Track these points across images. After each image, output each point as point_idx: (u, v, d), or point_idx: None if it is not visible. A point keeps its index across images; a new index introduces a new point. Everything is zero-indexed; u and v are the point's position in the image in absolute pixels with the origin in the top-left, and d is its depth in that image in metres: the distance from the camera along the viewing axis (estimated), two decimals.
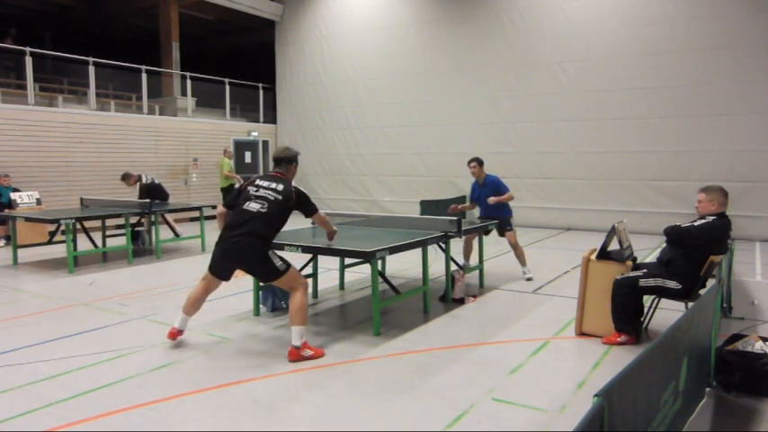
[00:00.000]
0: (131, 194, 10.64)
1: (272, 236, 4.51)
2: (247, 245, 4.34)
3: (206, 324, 5.29)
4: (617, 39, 11.76)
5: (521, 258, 7.41)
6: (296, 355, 4.32)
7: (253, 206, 4.41)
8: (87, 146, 12.36)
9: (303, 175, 16.66)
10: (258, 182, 4.58)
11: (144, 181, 10.38)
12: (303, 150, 16.63)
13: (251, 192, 4.50)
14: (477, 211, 7.79)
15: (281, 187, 4.50)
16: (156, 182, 10.59)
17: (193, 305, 4.73)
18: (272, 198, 4.44)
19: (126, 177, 10.39)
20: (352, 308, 6.08)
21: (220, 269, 4.61)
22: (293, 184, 4.60)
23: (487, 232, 7.39)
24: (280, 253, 4.65)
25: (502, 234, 7.40)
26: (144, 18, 17.14)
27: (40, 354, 4.50)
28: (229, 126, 15.92)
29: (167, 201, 10.52)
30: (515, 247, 7.37)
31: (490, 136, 13.38)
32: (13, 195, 10.16)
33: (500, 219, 7.31)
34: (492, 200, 7.21)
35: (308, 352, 4.38)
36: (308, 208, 4.64)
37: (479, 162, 7.38)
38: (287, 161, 4.71)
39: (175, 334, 4.73)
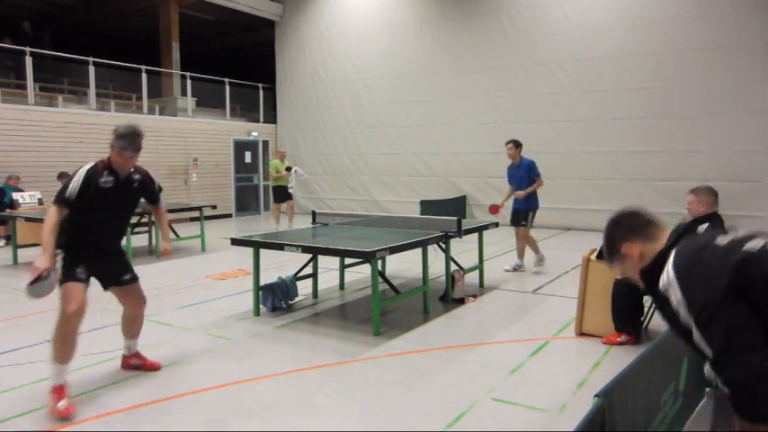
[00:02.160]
0: None
1: (67, 231, 3.63)
2: None
3: (206, 324, 5.29)
4: (617, 39, 11.76)
5: (519, 251, 7.55)
6: (51, 402, 3.38)
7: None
8: (87, 146, 12.35)
9: None
10: None
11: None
12: (303, 150, 16.67)
13: None
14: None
15: None
16: None
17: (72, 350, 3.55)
18: None
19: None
20: (352, 308, 6.08)
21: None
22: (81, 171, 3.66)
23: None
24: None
25: (516, 224, 7.50)
26: (144, 18, 17.14)
27: (40, 354, 4.49)
28: (229, 126, 15.92)
29: None
30: (519, 239, 7.46)
31: (490, 136, 13.37)
32: (15, 195, 10.15)
33: (520, 210, 7.40)
34: (519, 194, 7.34)
35: (62, 404, 3.34)
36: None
37: (516, 144, 7.46)
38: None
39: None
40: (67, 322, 3.53)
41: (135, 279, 4.01)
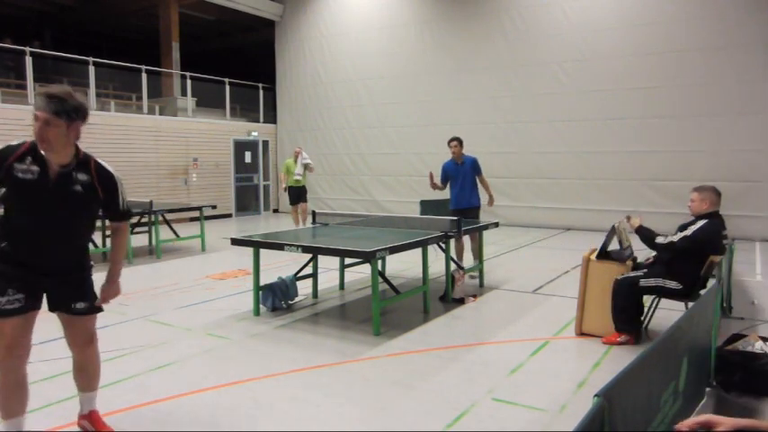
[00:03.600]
0: None
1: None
2: None
3: (206, 324, 5.29)
4: (617, 39, 11.77)
5: (475, 252, 7.29)
6: None
7: None
8: (87, 146, 12.11)
9: None
10: None
11: None
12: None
13: None
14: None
15: None
16: None
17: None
18: None
19: None
20: (352, 308, 6.08)
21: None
22: None
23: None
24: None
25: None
26: (144, 18, 17.15)
27: (40, 354, 4.49)
28: (229, 126, 15.92)
29: None
30: (473, 240, 7.24)
31: (490, 136, 13.38)
32: None
33: (470, 209, 7.34)
34: (491, 204, 7.48)
35: None
36: None
37: (460, 142, 7.49)
38: None
39: None
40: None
41: (91, 310, 2.92)
